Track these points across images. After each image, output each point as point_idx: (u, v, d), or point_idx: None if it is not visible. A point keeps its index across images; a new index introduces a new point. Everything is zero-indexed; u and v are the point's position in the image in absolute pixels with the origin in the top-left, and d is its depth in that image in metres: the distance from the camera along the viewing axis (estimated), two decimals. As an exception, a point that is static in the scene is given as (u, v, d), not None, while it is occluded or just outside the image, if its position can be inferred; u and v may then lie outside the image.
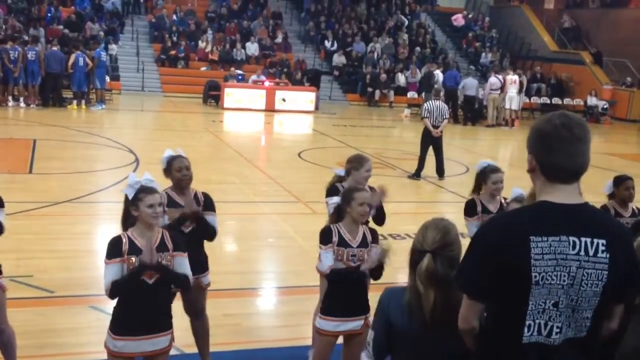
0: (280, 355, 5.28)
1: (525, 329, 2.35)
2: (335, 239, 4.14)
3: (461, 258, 2.84)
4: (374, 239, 4.26)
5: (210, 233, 4.65)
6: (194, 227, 4.57)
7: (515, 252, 2.32)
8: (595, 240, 2.35)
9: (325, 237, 4.18)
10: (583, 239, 2.35)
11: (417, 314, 2.75)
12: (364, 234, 4.21)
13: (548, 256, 2.32)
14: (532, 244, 2.32)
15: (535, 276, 2.31)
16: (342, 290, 4.14)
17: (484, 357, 2.49)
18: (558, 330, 2.35)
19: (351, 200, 4.13)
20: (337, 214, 4.28)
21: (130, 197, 3.75)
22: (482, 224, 2.57)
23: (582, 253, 2.33)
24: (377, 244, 4.26)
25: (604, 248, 2.35)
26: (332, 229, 4.19)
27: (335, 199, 4.39)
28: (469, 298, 2.47)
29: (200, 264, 4.66)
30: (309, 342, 5.43)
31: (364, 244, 4.17)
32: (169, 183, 4.65)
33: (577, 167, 2.42)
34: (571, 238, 2.34)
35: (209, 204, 4.69)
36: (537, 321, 2.35)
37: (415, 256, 2.80)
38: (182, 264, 3.85)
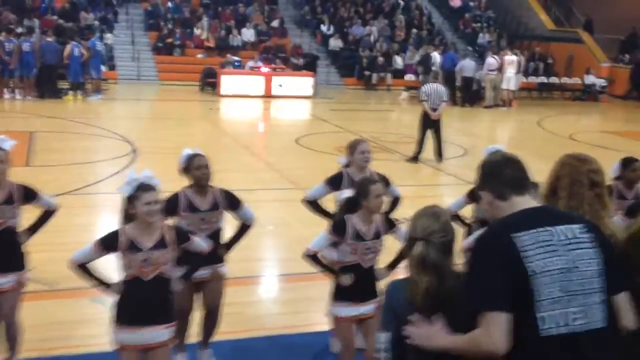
0: (283, 343, 5.30)
1: (542, 322, 2.36)
2: (349, 232, 4.17)
3: (455, 242, 2.88)
4: (389, 227, 4.32)
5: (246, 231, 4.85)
6: (214, 229, 4.64)
7: (505, 252, 2.39)
8: (571, 226, 2.47)
9: (337, 229, 4.22)
10: (558, 227, 2.45)
11: (413, 301, 2.77)
12: (376, 224, 4.25)
13: (534, 245, 2.39)
14: (516, 240, 2.40)
15: (530, 267, 2.36)
16: (353, 278, 4.18)
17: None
18: (576, 317, 2.38)
19: (368, 194, 4.15)
20: (350, 206, 4.29)
21: (127, 195, 3.74)
22: (470, 251, 2.63)
23: (563, 238, 2.43)
24: (394, 228, 4.34)
25: (580, 230, 2.47)
26: (346, 223, 4.20)
27: (347, 192, 4.41)
28: (495, 311, 2.37)
29: (218, 254, 4.71)
30: (312, 328, 5.47)
31: (378, 235, 4.22)
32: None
33: (522, 178, 2.61)
34: (548, 228, 2.44)
35: (232, 202, 4.71)
36: (554, 312, 2.36)
37: (409, 244, 2.83)
38: (195, 243, 4.00)
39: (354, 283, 4.19)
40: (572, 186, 3.19)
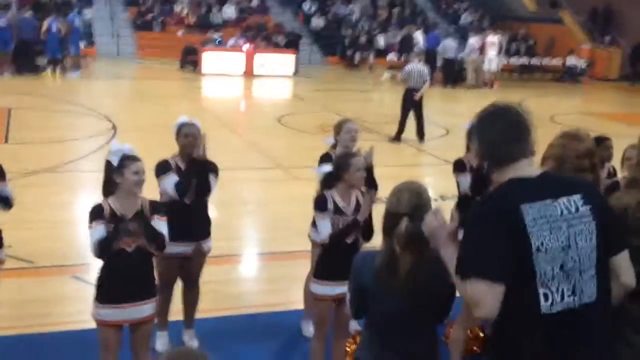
0: (264, 321, 5.31)
1: (542, 299, 2.34)
2: (330, 206, 4.14)
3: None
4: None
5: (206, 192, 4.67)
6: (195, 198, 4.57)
7: (511, 223, 2.34)
8: (571, 198, 2.43)
9: (321, 205, 4.17)
10: (561, 200, 2.41)
11: (389, 277, 2.79)
12: (357, 199, 4.22)
13: (541, 221, 2.35)
14: (524, 211, 2.34)
15: (535, 242, 2.33)
16: (336, 255, 4.16)
17: (503, 336, 2.46)
18: (570, 293, 2.37)
19: (349, 167, 4.09)
20: (329, 181, 4.25)
21: (115, 164, 3.73)
22: (471, 209, 2.53)
23: (566, 212, 2.39)
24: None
25: (581, 202, 2.43)
26: (326, 197, 4.18)
27: (326, 167, 4.36)
28: (488, 281, 2.29)
29: (205, 229, 4.73)
30: (292, 306, 5.49)
31: (358, 209, 4.18)
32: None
33: (512, 151, 2.47)
34: (552, 201, 2.39)
35: (213, 169, 4.70)
36: (551, 289, 2.35)
37: (390, 220, 2.82)
38: (161, 226, 3.87)
39: (335, 260, 4.17)
40: (577, 169, 3.17)
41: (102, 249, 3.69)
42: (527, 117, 2.52)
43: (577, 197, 2.43)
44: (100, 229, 3.70)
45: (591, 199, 2.46)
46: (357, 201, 4.21)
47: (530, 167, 2.50)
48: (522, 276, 2.35)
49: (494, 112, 2.55)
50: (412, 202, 2.80)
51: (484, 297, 2.29)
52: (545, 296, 2.35)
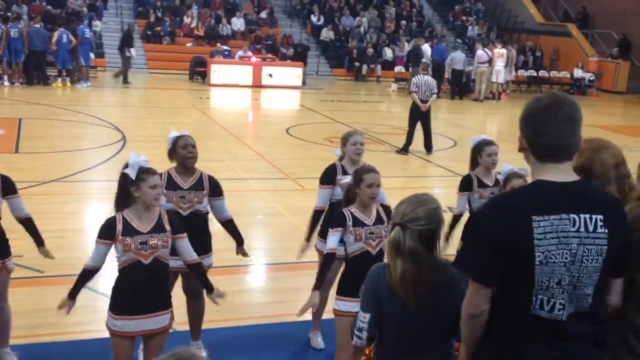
0: (272, 332, 5.32)
1: (534, 302, 2.38)
2: (349, 222, 4.09)
3: (441, 233, 2.89)
4: (388, 215, 4.21)
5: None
6: (195, 209, 4.56)
7: (518, 234, 2.33)
8: (594, 216, 2.37)
9: (336, 221, 4.15)
10: (582, 216, 2.36)
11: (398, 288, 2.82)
12: (377, 212, 4.18)
13: (550, 235, 2.33)
14: (534, 223, 2.32)
15: (539, 256, 2.32)
16: (360, 271, 4.13)
17: (491, 335, 2.51)
18: (561, 307, 2.38)
19: (360, 182, 4.07)
20: (347, 197, 4.23)
21: (133, 178, 3.69)
22: (481, 206, 2.57)
23: (582, 229, 2.35)
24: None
25: (602, 223, 2.38)
26: (345, 213, 4.13)
27: (347, 178, 4.32)
28: (476, 283, 2.44)
29: (202, 245, 4.62)
30: (300, 317, 5.48)
31: (379, 220, 4.14)
32: (157, 167, 4.60)
33: (565, 146, 2.41)
34: (571, 215, 2.35)
35: (215, 189, 4.67)
36: (539, 297, 2.37)
37: (390, 229, 2.87)
38: (185, 247, 3.90)
39: (359, 276, 4.14)
40: (601, 177, 3.13)
41: (85, 275, 3.82)
42: (580, 113, 2.45)
43: (599, 218, 2.37)
44: (102, 251, 3.73)
45: (612, 224, 2.39)
46: (378, 213, 4.18)
47: (567, 172, 2.43)
48: (520, 282, 2.37)
49: (554, 103, 2.43)
50: (405, 213, 2.81)
51: (471, 295, 2.45)
52: (538, 301, 2.38)
